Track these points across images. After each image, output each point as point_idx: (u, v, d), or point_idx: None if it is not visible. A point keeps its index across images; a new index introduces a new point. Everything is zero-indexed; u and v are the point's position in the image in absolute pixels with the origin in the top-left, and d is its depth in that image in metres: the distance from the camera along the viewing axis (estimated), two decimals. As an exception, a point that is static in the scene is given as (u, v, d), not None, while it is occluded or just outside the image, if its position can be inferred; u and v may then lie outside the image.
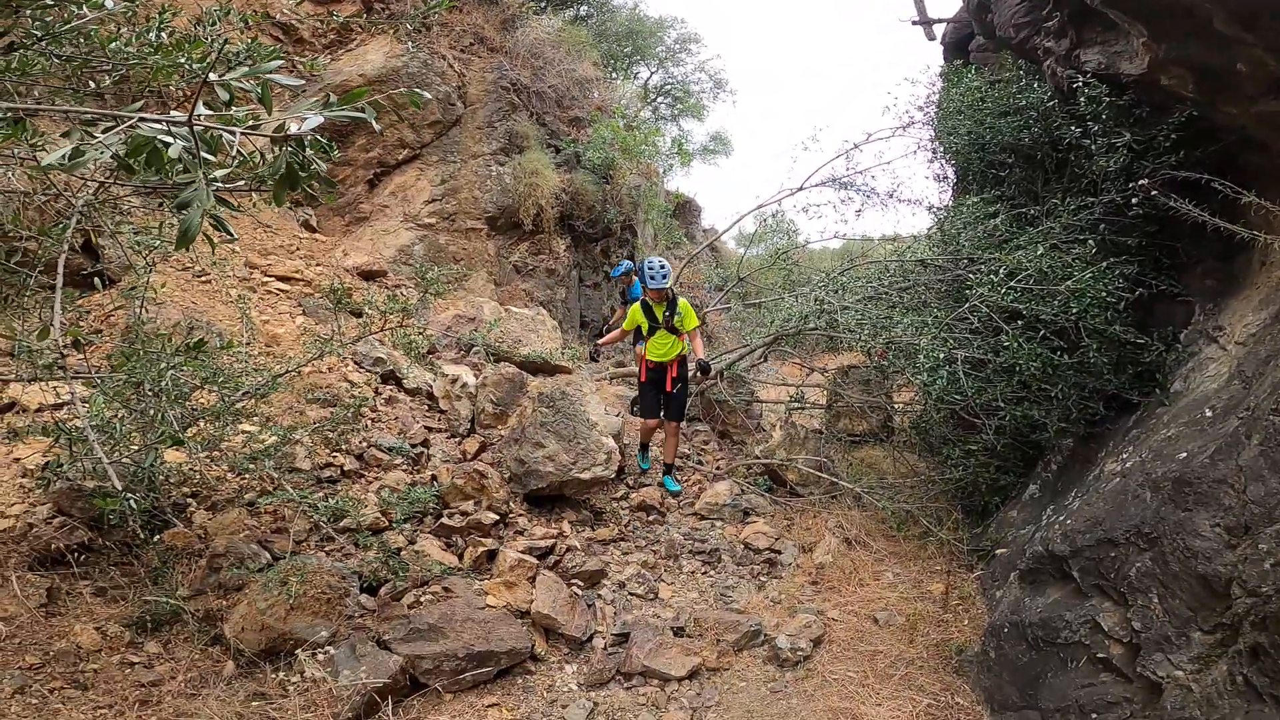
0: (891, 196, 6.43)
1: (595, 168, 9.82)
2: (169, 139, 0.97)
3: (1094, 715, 2.61)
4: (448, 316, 6.92)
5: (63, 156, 0.95)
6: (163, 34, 1.88)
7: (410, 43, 8.09)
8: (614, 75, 15.55)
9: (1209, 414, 3.00)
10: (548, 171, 9.12)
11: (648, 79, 18.13)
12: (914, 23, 7.93)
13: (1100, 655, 2.66)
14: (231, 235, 1.19)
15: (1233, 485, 2.34)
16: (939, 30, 7.75)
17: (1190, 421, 3.09)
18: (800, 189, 6.83)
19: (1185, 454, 2.77)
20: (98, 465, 2.50)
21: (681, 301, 5.27)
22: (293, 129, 1.00)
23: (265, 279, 6.06)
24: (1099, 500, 3.09)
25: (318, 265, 6.78)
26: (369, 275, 7.22)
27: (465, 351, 6.53)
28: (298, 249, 6.92)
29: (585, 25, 14.19)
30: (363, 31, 8.77)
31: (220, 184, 0.99)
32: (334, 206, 8.09)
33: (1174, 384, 3.71)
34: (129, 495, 1.85)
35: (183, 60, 1.73)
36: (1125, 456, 3.36)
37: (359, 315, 5.30)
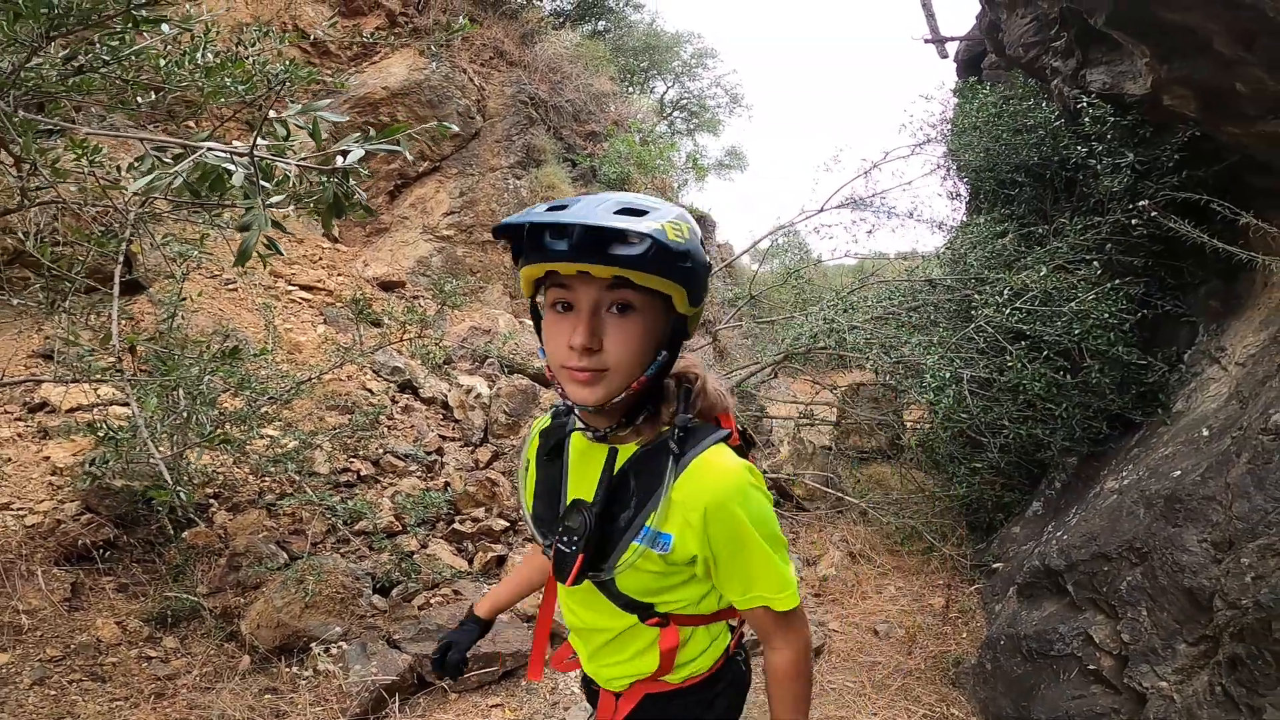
0: (911, 216, 6.47)
1: (611, 182, 9.96)
2: (231, 167, 1.09)
3: (1084, 727, 2.66)
4: (463, 328, 7.07)
5: (147, 183, 1.08)
6: (209, 54, 2.03)
7: (436, 59, 8.32)
8: (630, 90, 15.77)
9: (1205, 433, 3.06)
10: (564, 185, 9.28)
11: (664, 93, 18.34)
12: (926, 41, 8.02)
13: (1091, 667, 2.72)
14: (281, 254, 1.31)
15: (1220, 502, 2.40)
16: (951, 48, 7.84)
17: (1187, 440, 3.14)
18: (821, 210, 6.89)
19: (1179, 472, 2.83)
20: (132, 464, 2.64)
21: None
22: (338, 162, 1.13)
23: (289, 288, 6.25)
24: (1096, 517, 3.15)
25: (339, 275, 6.96)
26: (388, 286, 7.40)
27: (480, 363, 6.66)
28: (320, 259, 7.11)
29: (603, 40, 14.42)
30: (387, 46, 9.03)
31: (275, 208, 1.11)
32: (355, 218, 8.29)
33: (1176, 404, 3.75)
34: (179, 489, 1.97)
35: (229, 83, 1.87)
36: (1124, 475, 3.41)
37: (378, 325, 5.46)
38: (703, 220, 16.01)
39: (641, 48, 16.77)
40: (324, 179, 1.15)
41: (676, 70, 18.10)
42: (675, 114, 18.74)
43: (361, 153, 1.12)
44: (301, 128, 1.16)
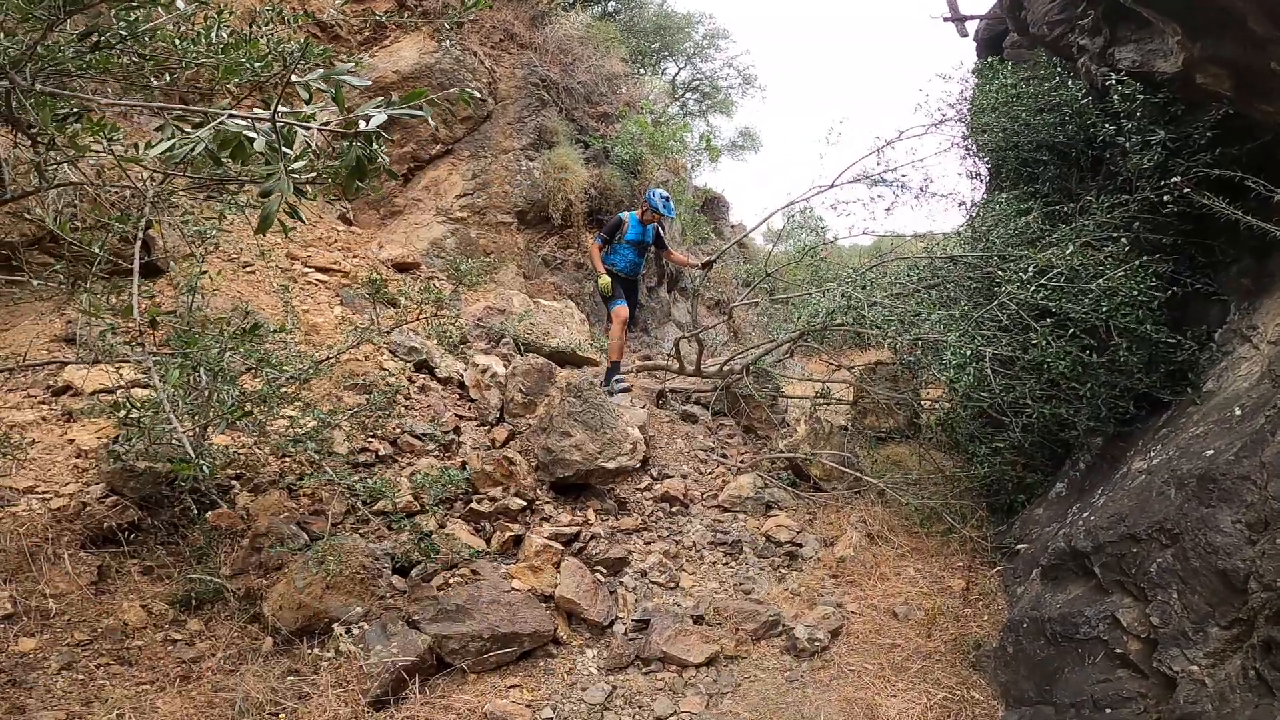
0: (924, 193, 6.38)
1: (623, 163, 9.89)
2: (253, 134, 1.07)
3: (1108, 710, 2.63)
4: (478, 308, 7.07)
5: (168, 148, 1.06)
6: (223, 33, 2.01)
7: (448, 40, 8.26)
8: (642, 71, 15.56)
9: (1238, 412, 2.99)
10: (576, 167, 9.23)
11: (675, 75, 18.12)
12: (945, 19, 7.84)
13: (1118, 651, 2.68)
14: (303, 220, 1.29)
15: (1255, 481, 2.34)
16: (971, 27, 7.66)
17: (1219, 420, 3.07)
18: (832, 186, 6.80)
19: (1211, 451, 2.77)
20: (155, 444, 2.66)
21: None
22: (361, 126, 1.10)
23: (305, 270, 6.27)
24: (1124, 497, 3.10)
25: (354, 257, 6.98)
26: (403, 267, 7.41)
27: (495, 342, 6.67)
28: (335, 241, 7.12)
29: (613, 21, 14.24)
30: (397, 29, 8.97)
31: (297, 175, 1.09)
32: (369, 200, 8.30)
33: (1206, 383, 3.67)
34: (202, 463, 1.98)
35: (244, 60, 1.85)
36: (1153, 455, 3.35)
37: (395, 305, 5.46)
38: (716, 201, 15.89)
39: (652, 29, 16.58)
40: (347, 143, 1.13)
41: (688, 51, 17.88)
42: (687, 95, 18.54)
43: (384, 117, 1.09)
44: (324, 91, 1.13)
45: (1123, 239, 4.11)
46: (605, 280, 6.19)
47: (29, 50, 1.46)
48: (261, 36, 2.45)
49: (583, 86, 10.41)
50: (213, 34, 1.97)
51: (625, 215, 6.36)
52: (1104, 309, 3.92)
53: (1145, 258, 4.04)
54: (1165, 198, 3.85)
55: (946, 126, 6.28)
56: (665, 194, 6.31)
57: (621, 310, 6.21)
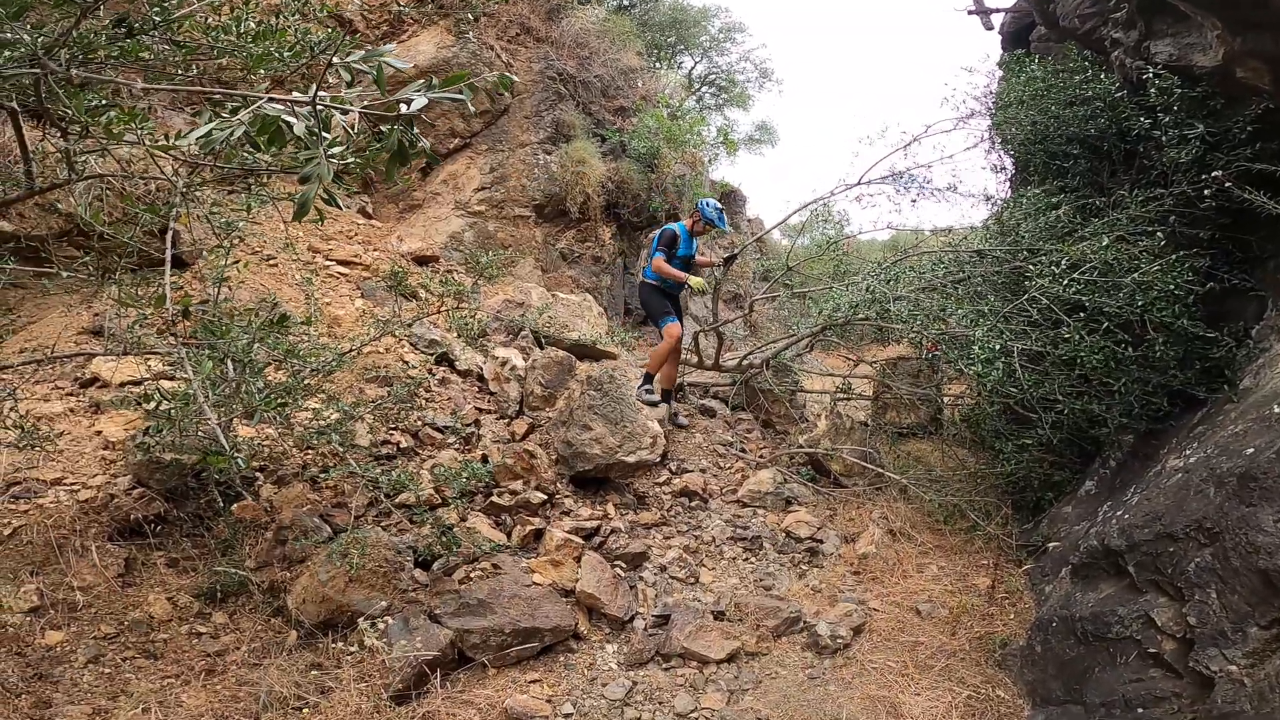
0: (952, 189, 6.28)
1: (640, 157, 9.85)
2: (291, 119, 1.05)
3: (1140, 710, 2.58)
4: (497, 301, 7.08)
5: (205, 132, 1.05)
6: (251, 22, 2.01)
7: (470, 33, 8.25)
8: (658, 65, 15.50)
9: (1278, 410, 2.91)
10: (594, 160, 9.20)
11: (692, 68, 18.02)
12: (970, 12, 7.72)
13: (1151, 650, 2.63)
14: (340, 207, 1.28)
15: (1301, 482, 2.28)
16: (997, 20, 7.54)
17: (1259, 418, 2.99)
18: (859, 183, 6.71)
19: (1252, 450, 2.70)
20: (183, 436, 2.67)
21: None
22: (402, 109, 1.08)
23: (326, 263, 6.30)
24: (1159, 495, 3.03)
25: (375, 250, 7.01)
26: (422, 260, 7.43)
27: (513, 335, 6.67)
28: (355, 235, 7.16)
29: (629, 15, 14.17)
30: (414, 23, 8.98)
31: (336, 160, 1.07)
32: (389, 194, 8.33)
33: (1243, 380, 3.59)
34: (238, 455, 1.98)
35: (273, 50, 1.84)
36: (1189, 453, 3.27)
37: (415, 298, 5.47)
38: (733, 195, 15.81)
39: (668, 22, 16.49)
40: (388, 126, 1.11)
41: (704, 45, 17.77)
42: (704, 89, 18.43)
43: (425, 100, 1.07)
44: (367, 72, 1.11)
45: (1158, 233, 4.03)
46: (699, 280, 5.76)
47: (62, 37, 1.46)
48: (288, 28, 2.45)
49: (599, 80, 10.38)
50: (242, 24, 1.97)
51: (676, 228, 5.87)
52: (1139, 303, 3.85)
53: (1181, 252, 3.96)
54: (1205, 192, 3.77)
55: (973, 121, 6.19)
56: (719, 205, 5.94)
57: (674, 328, 5.74)
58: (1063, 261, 4.21)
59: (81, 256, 3.47)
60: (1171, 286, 3.79)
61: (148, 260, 3.57)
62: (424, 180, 8.76)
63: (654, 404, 5.64)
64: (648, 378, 5.82)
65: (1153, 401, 3.92)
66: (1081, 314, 4.06)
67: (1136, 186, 4.42)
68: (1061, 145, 4.97)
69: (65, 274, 2.81)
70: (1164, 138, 4.05)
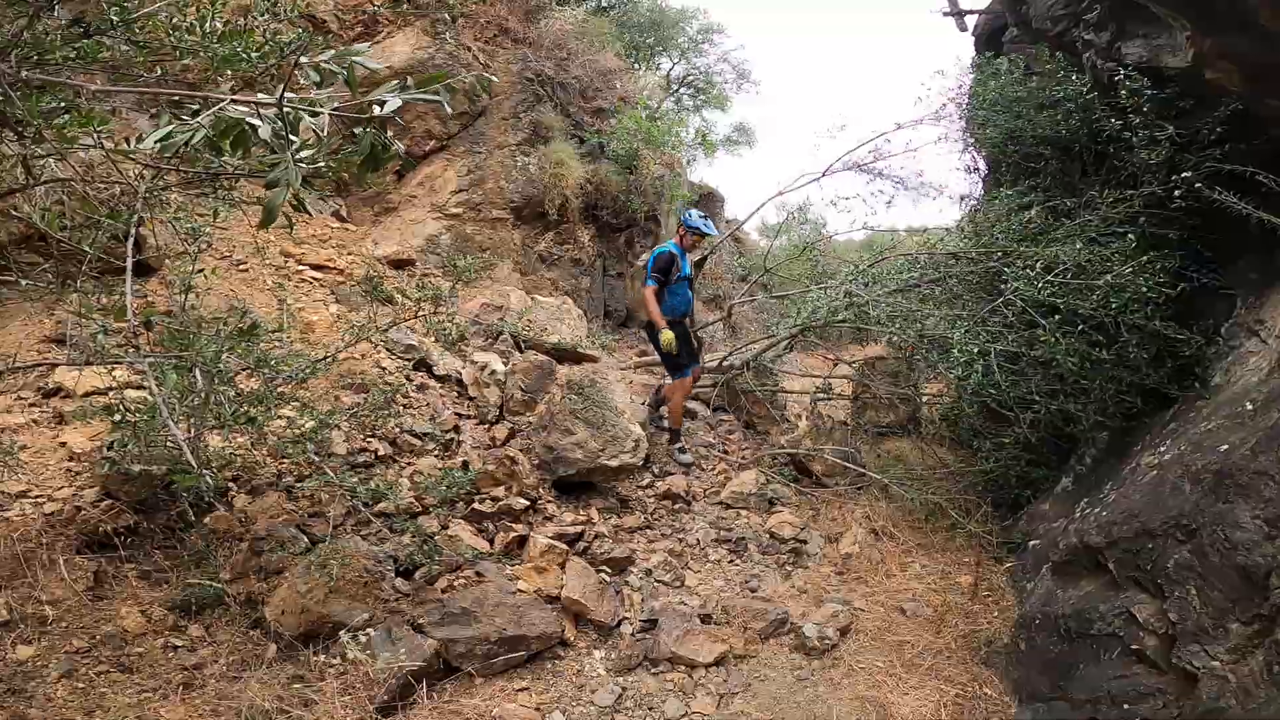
0: (922, 185, 6.36)
1: (619, 158, 9.82)
2: (256, 121, 1.01)
3: (1126, 705, 2.61)
4: (475, 305, 7.00)
5: (164, 134, 0.99)
6: (217, 22, 1.94)
7: (447, 34, 8.15)
8: (637, 66, 15.49)
9: (1250, 407, 2.96)
10: (572, 162, 9.15)
11: (670, 70, 18.04)
12: (945, 14, 7.81)
13: (1134, 647, 2.66)
14: (309, 213, 1.23)
15: (1273, 477, 2.32)
16: (971, 21, 7.63)
17: (1231, 415, 3.05)
18: (825, 174, 6.77)
19: (1226, 446, 2.74)
20: (151, 448, 2.58)
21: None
22: (374, 112, 1.04)
23: (299, 268, 6.17)
24: (1136, 492, 3.07)
25: (349, 254, 6.88)
26: (398, 264, 7.32)
27: (493, 339, 6.59)
28: (329, 239, 7.02)
29: (608, 16, 14.15)
30: (390, 23, 8.86)
31: (305, 164, 1.03)
32: (363, 197, 8.20)
33: (1214, 378, 3.66)
34: (205, 471, 1.92)
35: (240, 51, 1.78)
36: (1163, 450, 3.33)
37: (391, 303, 5.38)
38: (711, 196, 15.83)
39: (647, 24, 16.50)
40: (360, 129, 1.06)
41: (683, 46, 17.80)
42: (682, 90, 18.46)
43: (399, 102, 1.03)
44: (338, 73, 1.07)
45: (1129, 234, 4.09)
46: (669, 336, 5.13)
47: (14, 38, 1.39)
48: (257, 28, 2.38)
49: (577, 82, 10.32)
50: (207, 23, 1.90)
51: (670, 249, 5.39)
52: (1113, 305, 3.90)
53: (1152, 253, 4.02)
54: (1175, 192, 3.83)
55: (944, 113, 6.26)
56: (702, 212, 5.65)
57: (688, 381, 5.48)
58: (1037, 264, 4.26)
59: (42, 263, 3.36)
60: (1144, 288, 3.86)
61: (111, 267, 3.46)
62: (400, 183, 8.63)
63: (688, 466, 5.40)
64: (674, 434, 5.52)
65: (1126, 400, 3.98)
66: (1056, 316, 4.11)
67: (1107, 187, 4.48)
68: (1033, 146, 5.03)
69: (25, 282, 2.71)
70: (1134, 139, 4.11)
